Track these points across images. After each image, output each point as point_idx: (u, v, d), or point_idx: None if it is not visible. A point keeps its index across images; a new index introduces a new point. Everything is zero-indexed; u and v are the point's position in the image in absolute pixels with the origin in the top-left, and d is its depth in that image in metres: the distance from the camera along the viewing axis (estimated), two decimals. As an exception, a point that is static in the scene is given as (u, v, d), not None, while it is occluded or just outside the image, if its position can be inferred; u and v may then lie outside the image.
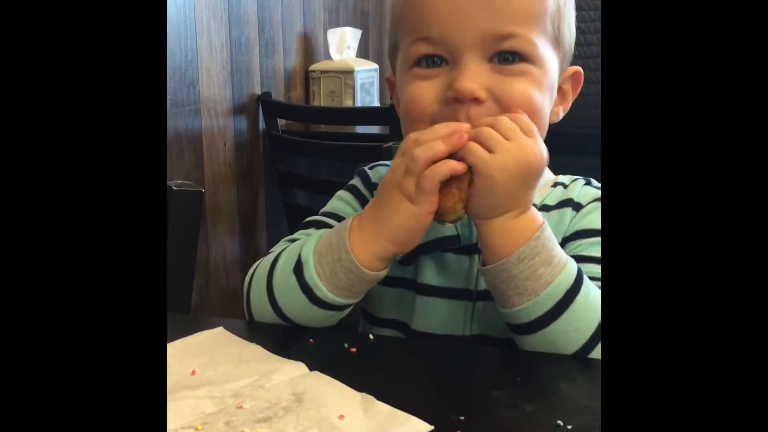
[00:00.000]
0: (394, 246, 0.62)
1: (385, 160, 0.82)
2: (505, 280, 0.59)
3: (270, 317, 0.66)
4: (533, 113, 0.63)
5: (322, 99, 2.40)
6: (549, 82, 0.66)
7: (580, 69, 0.73)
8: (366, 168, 0.80)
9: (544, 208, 0.71)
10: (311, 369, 0.55)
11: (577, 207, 0.72)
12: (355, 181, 0.79)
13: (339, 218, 0.73)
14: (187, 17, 1.87)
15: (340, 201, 0.78)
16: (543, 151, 0.60)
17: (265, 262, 0.68)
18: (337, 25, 2.59)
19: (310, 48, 2.49)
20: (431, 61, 0.65)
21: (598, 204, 0.71)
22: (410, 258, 0.70)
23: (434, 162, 0.58)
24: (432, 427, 0.47)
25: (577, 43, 1.32)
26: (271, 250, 0.71)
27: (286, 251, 0.67)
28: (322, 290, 0.62)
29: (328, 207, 0.78)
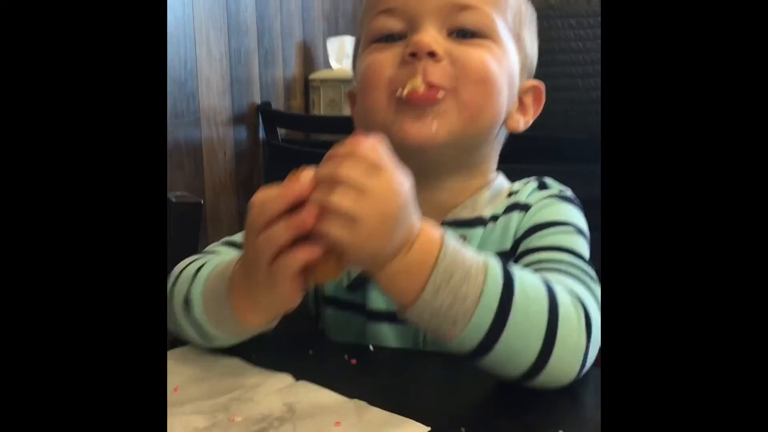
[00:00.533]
0: (275, 314, 0.57)
1: None
2: (431, 317, 0.51)
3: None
4: (489, 77, 0.62)
5: (322, 108, 2.40)
6: (508, 65, 0.66)
7: (542, 84, 0.72)
8: None
9: (493, 218, 0.68)
10: (303, 379, 0.55)
11: (525, 208, 0.68)
12: None
13: None
14: (186, 28, 1.87)
15: None
16: (400, 182, 0.50)
17: (173, 276, 0.64)
18: (336, 33, 2.60)
19: (310, 57, 2.49)
20: (390, 38, 0.65)
21: (548, 200, 0.68)
22: (356, 285, 0.67)
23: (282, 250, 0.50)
24: (429, 428, 0.47)
25: (576, 50, 1.32)
26: (204, 250, 0.68)
27: (184, 274, 0.62)
28: (212, 331, 0.58)
29: None
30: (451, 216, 0.68)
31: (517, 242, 0.66)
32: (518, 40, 0.68)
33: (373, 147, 0.49)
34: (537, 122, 1.35)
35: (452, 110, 0.62)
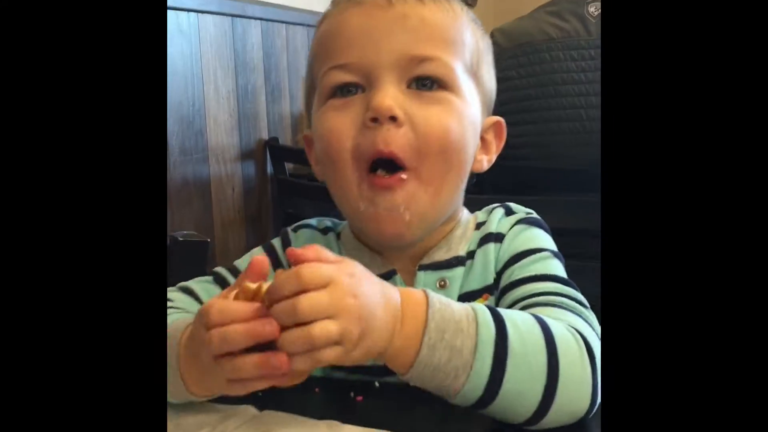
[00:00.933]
0: (220, 394, 0.55)
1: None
2: (432, 374, 0.50)
3: None
4: (451, 145, 0.61)
5: (329, 142, 2.41)
6: (470, 116, 0.64)
7: (502, 119, 0.71)
8: (289, 229, 0.75)
9: (471, 255, 0.67)
10: (315, 418, 0.55)
11: (499, 238, 0.67)
12: (276, 242, 0.74)
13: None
14: (194, 67, 1.90)
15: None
16: (356, 277, 0.49)
17: None
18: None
19: (316, 92, 2.52)
20: (347, 90, 0.62)
21: (519, 227, 0.68)
22: None
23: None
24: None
25: (579, 81, 1.33)
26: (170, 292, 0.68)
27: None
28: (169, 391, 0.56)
29: (240, 261, 0.73)
30: (427, 259, 0.67)
31: (499, 274, 0.66)
32: (477, 79, 0.66)
33: (312, 266, 0.47)
34: (540, 153, 1.35)
35: (417, 189, 0.61)
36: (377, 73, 0.61)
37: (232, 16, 2.07)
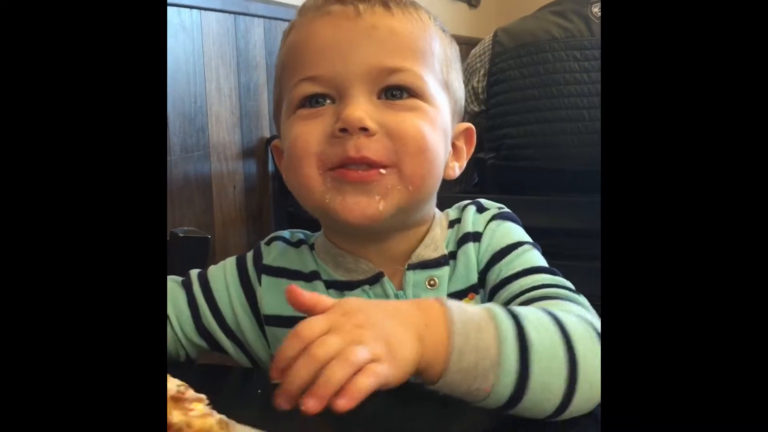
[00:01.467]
0: None
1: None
2: (462, 379, 0.51)
3: None
4: (426, 151, 0.61)
5: (330, 141, 2.41)
6: (442, 123, 0.64)
7: (472, 126, 0.71)
8: (262, 243, 0.74)
9: (452, 255, 0.68)
10: (313, 417, 0.55)
11: (476, 237, 0.68)
12: (248, 256, 0.73)
13: (209, 293, 0.69)
14: (196, 64, 1.90)
15: (220, 273, 0.72)
16: (364, 312, 0.49)
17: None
18: (345, 68, 2.62)
19: (318, 91, 2.52)
20: (315, 101, 0.62)
21: (494, 223, 0.69)
22: None
23: None
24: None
25: (581, 81, 1.33)
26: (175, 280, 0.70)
27: None
28: None
29: (210, 272, 0.73)
30: (416, 258, 0.67)
31: (483, 273, 0.67)
32: (447, 87, 0.66)
33: (308, 321, 0.48)
34: (542, 154, 1.35)
35: (397, 185, 0.61)
36: (347, 85, 0.61)
37: (235, 13, 2.06)
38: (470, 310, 0.52)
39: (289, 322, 0.67)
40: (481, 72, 1.48)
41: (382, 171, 0.60)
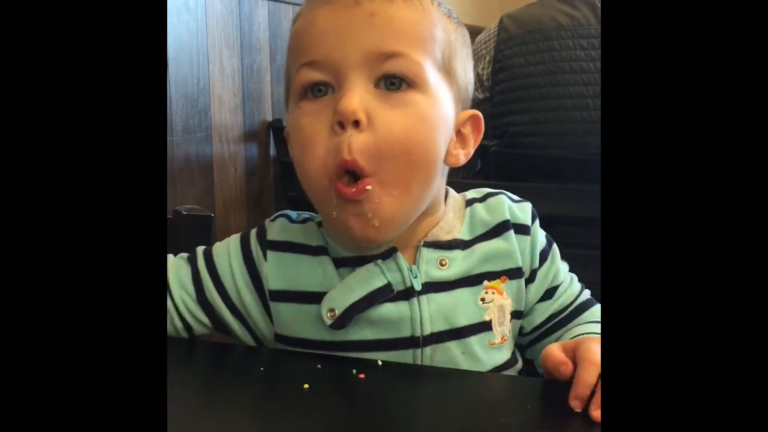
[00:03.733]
0: None
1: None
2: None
3: None
4: (413, 147, 0.61)
5: (332, 126, 2.41)
6: (440, 115, 0.64)
7: (479, 113, 0.71)
8: (267, 220, 0.74)
9: (484, 236, 0.71)
10: (316, 395, 0.55)
11: (523, 229, 0.72)
12: (252, 233, 0.73)
13: (212, 267, 0.71)
14: (200, 45, 1.89)
15: (224, 249, 0.72)
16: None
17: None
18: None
19: (322, 75, 2.51)
20: (317, 90, 0.63)
21: (537, 220, 0.74)
22: (343, 321, 0.66)
23: None
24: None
25: (587, 70, 1.33)
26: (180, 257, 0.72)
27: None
28: None
29: (215, 248, 0.73)
30: (431, 237, 0.69)
31: (534, 271, 0.72)
32: (449, 74, 0.66)
33: (591, 352, 0.56)
34: (547, 141, 1.35)
35: (382, 196, 0.61)
36: (345, 71, 0.61)
37: (240, -6, 2.06)
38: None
39: (295, 296, 0.68)
40: (486, 59, 1.47)
41: (368, 187, 0.61)
